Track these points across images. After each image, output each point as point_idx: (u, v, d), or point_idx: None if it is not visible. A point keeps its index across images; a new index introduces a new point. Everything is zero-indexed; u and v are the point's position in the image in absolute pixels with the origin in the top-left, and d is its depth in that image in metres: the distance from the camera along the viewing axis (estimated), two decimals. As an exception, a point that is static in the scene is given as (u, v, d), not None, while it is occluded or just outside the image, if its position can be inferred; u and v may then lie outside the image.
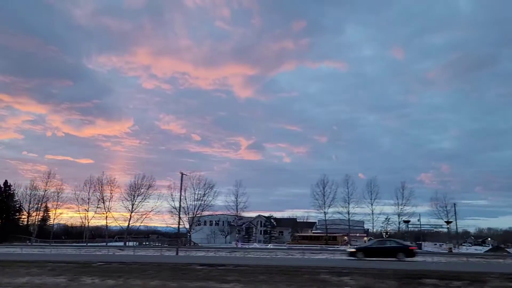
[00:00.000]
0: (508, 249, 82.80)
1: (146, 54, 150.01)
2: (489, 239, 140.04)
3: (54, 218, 75.92)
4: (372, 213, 69.02)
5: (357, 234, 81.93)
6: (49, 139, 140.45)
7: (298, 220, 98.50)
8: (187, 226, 70.03)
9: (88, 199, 67.46)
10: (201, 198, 67.09)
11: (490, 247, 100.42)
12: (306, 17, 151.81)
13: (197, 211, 67.40)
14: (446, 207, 66.82)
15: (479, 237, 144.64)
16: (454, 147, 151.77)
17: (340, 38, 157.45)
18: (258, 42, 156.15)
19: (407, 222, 69.74)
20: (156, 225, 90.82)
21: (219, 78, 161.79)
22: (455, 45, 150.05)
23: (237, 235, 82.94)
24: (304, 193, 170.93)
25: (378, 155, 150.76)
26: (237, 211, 74.44)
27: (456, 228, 71.23)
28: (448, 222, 67.81)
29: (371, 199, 68.99)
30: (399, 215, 67.27)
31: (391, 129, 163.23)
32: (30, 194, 74.25)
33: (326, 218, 72.38)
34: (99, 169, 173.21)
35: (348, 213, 69.37)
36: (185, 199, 64.40)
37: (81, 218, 70.72)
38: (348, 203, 69.12)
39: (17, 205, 79.27)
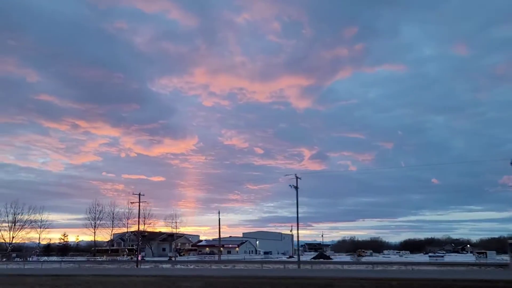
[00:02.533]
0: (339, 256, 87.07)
1: (204, 73, 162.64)
2: (468, 246, 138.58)
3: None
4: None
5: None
6: (124, 159, 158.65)
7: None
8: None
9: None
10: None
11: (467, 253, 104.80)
12: (357, 23, 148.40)
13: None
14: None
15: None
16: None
17: (396, 39, 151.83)
18: (311, 52, 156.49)
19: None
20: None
21: (275, 91, 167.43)
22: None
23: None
24: (375, 202, 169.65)
25: (451, 158, 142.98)
26: None
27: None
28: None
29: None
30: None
31: (463, 131, 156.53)
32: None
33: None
34: (171, 186, 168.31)
35: (112, 229, 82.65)
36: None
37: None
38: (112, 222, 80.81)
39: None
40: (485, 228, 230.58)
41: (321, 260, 63.60)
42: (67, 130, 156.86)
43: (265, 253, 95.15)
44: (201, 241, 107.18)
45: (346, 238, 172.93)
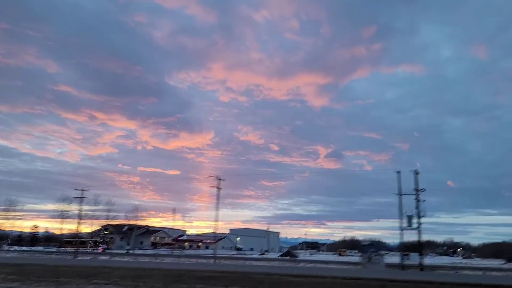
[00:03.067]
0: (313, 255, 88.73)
1: (221, 68, 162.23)
2: (459, 249, 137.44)
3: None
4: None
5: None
6: (140, 152, 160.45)
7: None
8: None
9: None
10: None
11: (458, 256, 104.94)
12: (376, 22, 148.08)
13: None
14: None
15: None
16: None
17: (414, 39, 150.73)
18: (328, 51, 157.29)
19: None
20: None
21: (292, 88, 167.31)
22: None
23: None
24: (390, 202, 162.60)
25: (468, 161, 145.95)
26: None
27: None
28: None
29: None
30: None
31: (481, 134, 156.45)
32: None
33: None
34: (186, 179, 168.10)
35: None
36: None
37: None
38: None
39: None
40: (499, 233, 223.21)
41: (286, 258, 62.84)
42: (84, 121, 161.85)
43: (238, 249, 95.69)
44: (182, 235, 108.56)
45: (347, 238, 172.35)
